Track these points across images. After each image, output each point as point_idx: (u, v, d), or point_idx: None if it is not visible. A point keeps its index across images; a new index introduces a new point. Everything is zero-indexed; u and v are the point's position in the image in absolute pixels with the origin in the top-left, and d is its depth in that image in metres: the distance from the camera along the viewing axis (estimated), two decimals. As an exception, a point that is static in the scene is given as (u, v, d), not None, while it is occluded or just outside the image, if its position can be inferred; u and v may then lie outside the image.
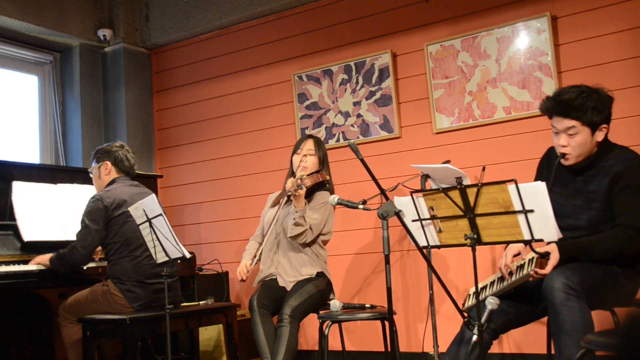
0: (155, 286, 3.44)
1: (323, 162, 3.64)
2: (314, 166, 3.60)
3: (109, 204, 3.42)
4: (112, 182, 3.59)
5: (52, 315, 3.85)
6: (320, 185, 3.58)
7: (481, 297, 2.71)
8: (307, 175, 3.50)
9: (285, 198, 3.55)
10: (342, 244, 4.46)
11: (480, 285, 2.82)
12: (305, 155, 3.59)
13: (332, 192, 3.61)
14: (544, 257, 2.55)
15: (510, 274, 2.70)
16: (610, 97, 2.67)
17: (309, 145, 3.62)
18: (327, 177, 3.58)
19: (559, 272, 2.47)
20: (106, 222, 3.42)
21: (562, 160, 2.68)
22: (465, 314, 2.52)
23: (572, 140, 2.64)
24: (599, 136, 2.65)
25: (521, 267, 2.68)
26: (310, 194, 3.56)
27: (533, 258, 2.61)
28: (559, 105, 2.64)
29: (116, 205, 3.43)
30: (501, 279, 2.76)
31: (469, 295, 2.88)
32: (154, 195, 3.08)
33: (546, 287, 2.47)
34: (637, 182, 2.59)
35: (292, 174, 3.64)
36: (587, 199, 2.67)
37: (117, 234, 3.43)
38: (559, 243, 2.54)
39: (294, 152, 3.67)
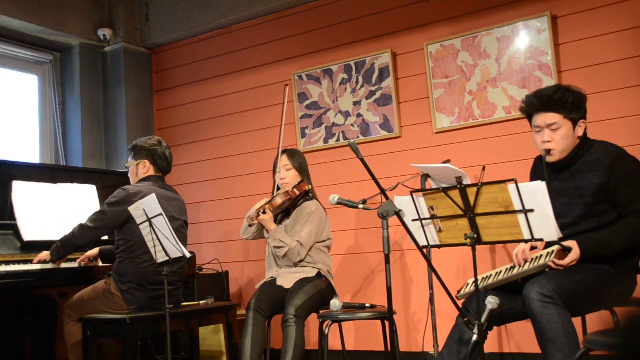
0: (158, 292, 3.42)
1: (302, 171, 3.70)
2: (294, 179, 3.67)
3: (134, 198, 3.30)
4: (145, 179, 3.58)
5: (53, 314, 3.85)
6: (304, 195, 3.64)
7: (485, 283, 2.72)
8: (280, 193, 3.56)
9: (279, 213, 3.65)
10: (342, 243, 4.46)
11: (484, 275, 2.82)
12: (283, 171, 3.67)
13: (317, 199, 3.68)
14: (566, 250, 2.57)
15: (525, 262, 2.70)
16: (584, 94, 2.75)
17: (283, 160, 3.70)
18: (307, 187, 3.63)
19: (533, 282, 2.50)
20: (127, 215, 3.28)
21: (547, 157, 2.71)
22: (459, 302, 2.52)
23: (556, 135, 2.69)
24: (579, 131, 2.72)
25: (538, 258, 2.67)
26: (294, 205, 3.64)
27: (552, 251, 2.60)
28: (540, 100, 2.71)
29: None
30: (510, 269, 2.74)
31: (467, 284, 2.86)
32: (153, 194, 3.02)
33: (524, 299, 2.50)
34: (629, 170, 2.64)
35: (277, 190, 3.71)
36: (572, 196, 2.70)
37: (133, 232, 3.33)
38: (579, 240, 2.57)
39: (274, 172, 3.75)
